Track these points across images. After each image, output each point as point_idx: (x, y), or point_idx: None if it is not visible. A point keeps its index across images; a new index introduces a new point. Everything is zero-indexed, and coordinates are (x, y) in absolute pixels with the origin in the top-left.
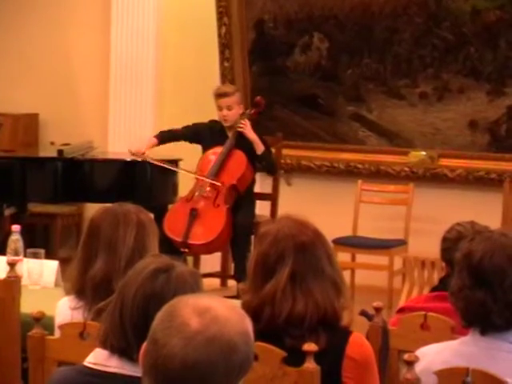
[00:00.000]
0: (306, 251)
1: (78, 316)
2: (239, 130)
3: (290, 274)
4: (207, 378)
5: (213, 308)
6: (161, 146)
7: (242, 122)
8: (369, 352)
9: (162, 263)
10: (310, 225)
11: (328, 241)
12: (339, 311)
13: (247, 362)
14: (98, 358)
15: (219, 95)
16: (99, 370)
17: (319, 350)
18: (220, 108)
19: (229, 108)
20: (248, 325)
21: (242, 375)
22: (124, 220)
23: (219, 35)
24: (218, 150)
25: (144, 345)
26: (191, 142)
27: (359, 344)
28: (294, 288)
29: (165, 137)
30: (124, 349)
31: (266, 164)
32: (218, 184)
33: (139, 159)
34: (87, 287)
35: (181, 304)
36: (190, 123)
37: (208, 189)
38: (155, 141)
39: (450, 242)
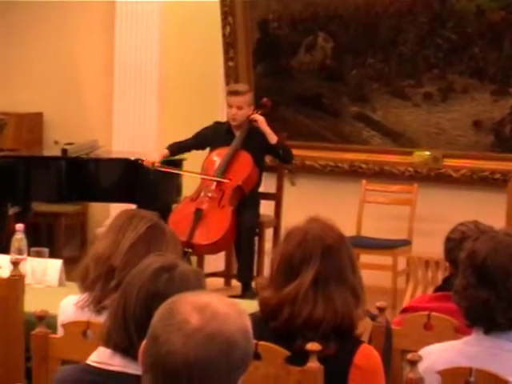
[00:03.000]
0: (332, 255)
1: (82, 314)
2: (253, 119)
3: (314, 278)
4: (208, 375)
5: (212, 305)
6: (165, 147)
7: (255, 114)
8: (377, 362)
9: (165, 262)
10: (336, 229)
11: (351, 246)
12: (355, 321)
13: (247, 358)
14: (102, 357)
15: (231, 93)
16: (103, 369)
17: (327, 357)
18: (230, 106)
19: (239, 107)
20: (247, 321)
21: (243, 371)
22: (143, 215)
23: (223, 35)
24: (222, 151)
25: (143, 342)
26: (199, 149)
27: (367, 354)
28: (316, 292)
29: (175, 148)
30: (127, 348)
31: (282, 152)
32: (226, 181)
33: (151, 168)
34: (90, 262)
35: (180, 301)
36: (196, 127)
37: (213, 189)
38: (167, 152)
39: (454, 243)
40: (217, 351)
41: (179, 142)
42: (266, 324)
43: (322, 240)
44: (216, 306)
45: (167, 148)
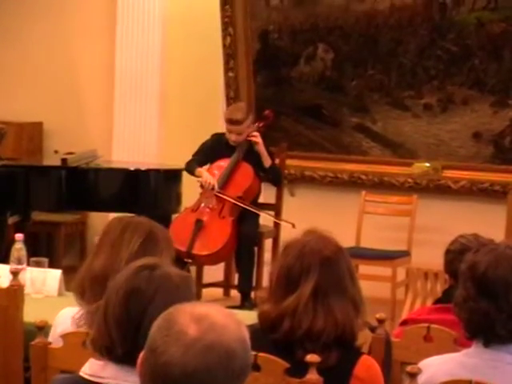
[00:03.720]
0: (330, 267)
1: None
2: (253, 141)
3: (313, 289)
4: None
5: (210, 315)
6: (165, 157)
7: (254, 133)
8: (377, 374)
9: (148, 261)
10: (334, 240)
11: (350, 257)
12: (356, 332)
13: (246, 369)
14: (93, 369)
15: (231, 122)
16: (94, 382)
17: (328, 368)
18: (229, 131)
19: (239, 134)
20: (245, 332)
21: (242, 382)
22: (134, 226)
23: (224, 45)
24: (223, 163)
25: (142, 353)
26: (206, 164)
27: (368, 366)
28: (316, 304)
29: (198, 165)
30: (110, 348)
31: (271, 177)
32: (226, 198)
33: (211, 191)
34: (86, 280)
35: (178, 312)
36: (196, 137)
37: (214, 200)
38: (202, 170)
39: (454, 254)
40: (215, 362)
41: (197, 160)
42: (266, 335)
43: (320, 252)
44: (214, 317)
45: (197, 166)
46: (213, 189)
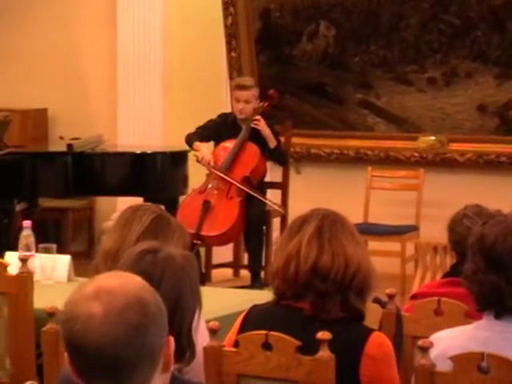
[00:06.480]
0: (336, 216)
1: None
2: (254, 126)
3: (316, 228)
4: (145, 338)
5: (102, 286)
6: (170, 138)
7: (257, 117)
8: (389, 351)
9: (150, 245)
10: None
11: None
12: (374, 279)
13: (163, 313)
14: None
15: (239, 87)
16: None
17: (338, 345)
18: (237, 100)
19: (247, 102)
20: (140, 279)
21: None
22: (146, 207)
23: (225, 25)
24: (229, 143)
25: (66, 358)
26: (208, 141)
27: (379, 342)
28: (321, 239)
29: (199, 139)
30: None
31: (276, 158)
32: (231, 180)
33: (208, 169)
34: (99, 258)
35: (74, 303)
36: (200, 118)
37: (221, 181)
38: (201, 144)
39: (460, 236)
40: (136, 318)
41: (198, 134)
42: (277, 309)
43: (325, 211)
44: (106, 285)
45: (197, 140)
46: (209, 164)
